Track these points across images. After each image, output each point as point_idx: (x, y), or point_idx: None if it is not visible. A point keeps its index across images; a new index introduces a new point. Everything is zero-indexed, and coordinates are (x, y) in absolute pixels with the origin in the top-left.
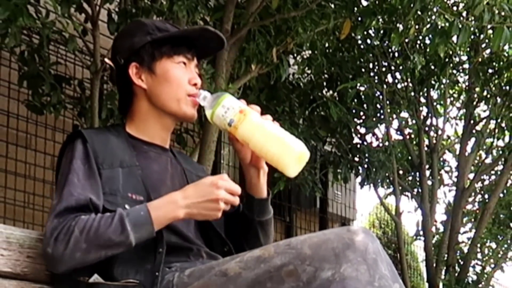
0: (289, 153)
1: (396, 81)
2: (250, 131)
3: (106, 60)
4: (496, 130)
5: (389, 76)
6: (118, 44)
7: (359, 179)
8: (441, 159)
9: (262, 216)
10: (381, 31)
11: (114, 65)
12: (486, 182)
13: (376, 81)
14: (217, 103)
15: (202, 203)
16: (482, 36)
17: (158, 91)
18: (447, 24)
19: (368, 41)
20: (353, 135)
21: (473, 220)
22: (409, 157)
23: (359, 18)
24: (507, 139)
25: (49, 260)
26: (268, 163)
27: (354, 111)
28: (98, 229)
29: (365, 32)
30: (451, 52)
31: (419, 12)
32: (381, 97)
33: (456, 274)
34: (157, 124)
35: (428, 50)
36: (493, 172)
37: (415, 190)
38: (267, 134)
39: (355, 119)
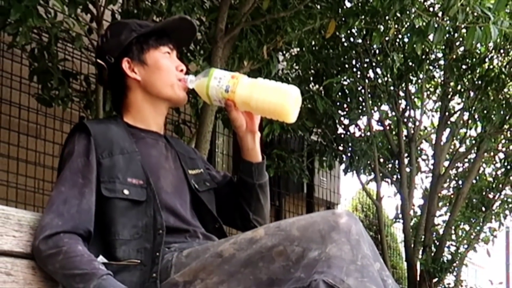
0: (289, 98)
1: (377, 76)
2: (247, 90)
3: (98, 60)
4: (469, 121)
5: (370, 71)
6: (105, 45)
7: (343, 166)
8: (419, 148)
9: (261, 179)
10: (363, 31)
11: (106, 65)
12: (460, 169)
13: (358, 76)
14: (208, 77)
15: None
16: (456, 35)
17: (152, 79)
18: (424, 24)
19: (351, 39)
20: (338, 126)
21: (448, 204)
22: (389, 146)
23: (343, 19)
24: (479, 129)
25: (33, 248)
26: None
27: (338, 104)
28: (72, 274)
29: (349, 32)
30: (427, 50)
31: (398, 13)
32: (363, 91)
33: (432, 254)
34: (152, 112)
35: (406, 48)
36: (466, 160)
37: (395, 176)
38: (264, 88)
39: (339, 111)
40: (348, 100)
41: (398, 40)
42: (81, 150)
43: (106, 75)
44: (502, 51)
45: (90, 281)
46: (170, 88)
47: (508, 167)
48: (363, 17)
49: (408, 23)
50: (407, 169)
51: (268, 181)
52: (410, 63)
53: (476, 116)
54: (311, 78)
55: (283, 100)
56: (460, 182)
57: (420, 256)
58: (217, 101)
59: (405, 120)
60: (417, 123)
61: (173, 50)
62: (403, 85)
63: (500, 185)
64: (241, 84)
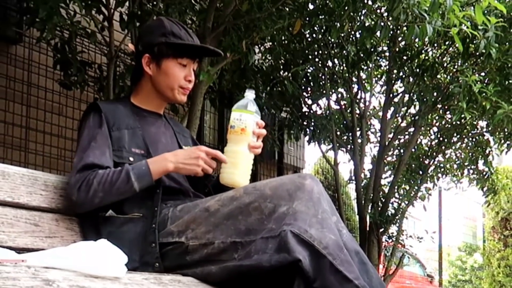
0: (235, 181)
1: (335, 65)
2: (230, 145)
3: (130, 44)
4: (409, 102)
5: (329, 61)
6: (141, 36)
7: (307, 138)
8: (368, 123)
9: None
10: (323, 28)
11: (135, 50)
12: (402, 140)
13: (320, 65)
14: (242, 108)
15: (186, 160)
16: (398, 32)
17: (159, 80)
18: (372, 23)
19: (314, 35)
20: (303, 105)
21: (392, 168)
22: (344, 122)
23: (307, 18)
24: (417, 108)
25: (73, 205)
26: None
27: (303, 87)
28: (111, 181)
29: (312, 29)
30: (375, 44)
31: (351, 14)
32: (323, 77)
33: (379, 209)
34: (155, 100)
35: (358, 42)
36: (406, 133)
37: (349, 146)
38: (234, 159)
39: (304, 93)
40: (311, 84)
41: (351, 35)
42: (96, 123)
43: (134, 57)
44: (435, 45)
45: (129, 177)
46: (170, 92)
47: (441, 138)
48: (323, 16)
49: (359, 22)
50: (359, 140)
51: None
52: (362, 55)
53: (414, 97)
54: (281, 67)
55: (231, 177)
56: (401, 150)
57: (369, 211)
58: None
59: (357, 100)
60: (367, 103)
61: (192, 62)
62: (356, 72)
63: (434, 153)
64: (233, 139)
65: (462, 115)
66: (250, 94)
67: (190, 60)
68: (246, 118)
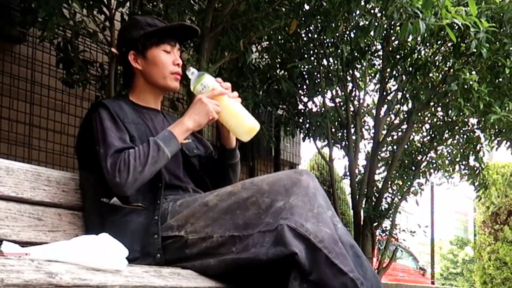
0: (242, 126)
1: (330, 64)
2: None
3: (113, 49)
4: (402, 99)
5: (324, 60)
6: (121, 38)
7: (302, 134)
8: (362, 120)
9: (232, 160)
10: (319, 28)
11: (119, 53)
12: (395, 137)
13: (315, 64)
14: (198, 80)
15: (198, 113)
16: (392, 31)
17: (149, 72)
18: (366, 22)
19: (309, 35)
20: (298, 103)
21: (385, 164)
22: (339, 119)
23: (303, 18)
24: (410, 105)
25: (119, 187)
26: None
27: (299, 85)
28: (144, 154)
29: (307, 28)
30: (369, 43)
31: (346, 14)
32: (318, 75)
33: (373, 204)
34: (150, 95)
35: (352, 41)
36: (400, 129)
37: (343, 143)
38: (228, 111)
39: (300, 91)
40: (307, 82)
41: (346, 35)
42: (108, 117)
43: (119, 61)
44: (428, 44)
45: (158, 145)
46: (163, 79)
47: (433, 135)
48: (318, 17)
49: (354, 22)
50: (353, 137)
51: (239, 161)
52: (356, 54)
53: (407, 95)
54: (278, 65)
55: (236, 126)
56: (395, 147)
57: (363, 205)
58: None
59: (352, 98)
60: (361, 101)
61: (175, 46)
62: (350, 71)
63: (426, 150)
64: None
65: (461, 113)
66: (193, 70)
67: (173, 45)
68: (207, 81)
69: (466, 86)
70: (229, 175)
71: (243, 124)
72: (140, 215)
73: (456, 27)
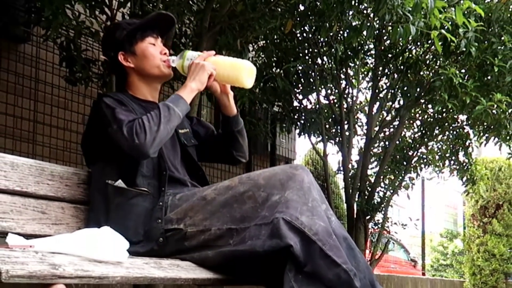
0: (242, 71)
1: (324, 62)
2: (211, 67)
3: (102, 56)
4: (394, 97)
5: (318, 59)
6: (105, 44)
7: (298, 131)
8: (355, 117)
9: (238, 126)
10: (313, 27)
11: (108, 58)
12: (387, 133)
13: (310, 62)
14: (182, 58)
15: (197, 74)
16: (383, 31)
17: (141, 65)
18: (359, 23)
19: (304, 34)
20: (294, 100)
21: (377, 159)
22: (333, 116)
23: (298, 19)
24: (401, 103)
25: (139, 148)
26: (232, 86)
27: (294, 83)
28: (156, 115)
29: (302, 28)
30: (362, 42)
31: (339, 14)
32: (313, 74)
33: (366, 198)
34: (147, 88)
35: (346, 41)
36: (391, 126)
37: (337, 138)
38: (222, 65)
39: (295, 89)
40: (302, 80)
41: (339, 35)
42: (114, 102)
43: (110, 66)
44: (418, 43)
45: (168, 106)
46: (157, 69)
47: (423, 131)
48: (313, 17)
49: (347, 22)
50: (347, 133)
51: (243, 126)
52: (349, 53)
53: (398, 93)
54: (274, 64)
55: (238, 73)
56: (387, 143)
57: (356, 199)
58: None
59: (345, 96)
60: (354, 98)
61: (157, 38)
62: (344, 69)
63: (417, 145)
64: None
65: (444, 108)
66: (173, 58)
67: (155, 37)
68: (190, 54)
69: (451, 82)
70: (239, 141)
71: (242, 69)
72: (145, 200)
73: (446, 27)
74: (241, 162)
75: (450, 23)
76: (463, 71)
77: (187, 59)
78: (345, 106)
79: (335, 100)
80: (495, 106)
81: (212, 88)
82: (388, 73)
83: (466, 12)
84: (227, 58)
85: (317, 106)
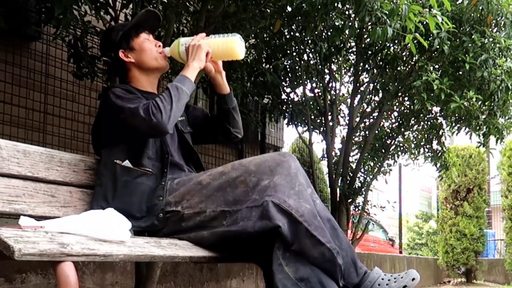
0: (233, 44)
1: (309, 59)
2: (206, 46)
3: (104, 58)
4: (373, 90)
5: (305, 56)
6: (104, 47)
7: (285, 121)
8: (338, 108)
9: (232, 103)
10: (300, 27)
11: (109, 59)
12: (367, 123)
13: (296, 59)
14: (176, 45)
15: (196, 54)
16: (364, 30)
17: (141, 58)
18: (341, 23)
19: (292, 33)
20: (282, 93)
21: (358, 147)
22: (318, 107)
23: (286, 19)
24: (381, 95)
25: (158, 126)
26: (225, 61)
27: (282, 77)
28: (168, 95)
29: (290, 28)
30: (344, 41)
31: (323, 15)
32: (299, 69)
33: (348, 182)
34: (147, 80)
35: (329, 39)
36: (371, 117)
37: (321, 128)
38: (215, 43)
39: (283, 83)
40: (289, 75)
41: (324, 33)
42: (123, 92)
43: (111, 65)
44: (396, 41)
45: (175, 86)
46: (155, 61)
47: (400, 122)
48: (299, 17)
49: (330, 22)
50: (330, 123)
51: (237, 104)
52: (332, 50)
53: (378, 87)
54: (263, 60)
55: (231, 47)
56: (367, 132)
57: (339, 184)
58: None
59: (329, 89)
60: (337, 91)
61: (149, 34)
62: (328, 65)
63: (395, 135)
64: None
65: (422, 106)
66: (166, 49)
67: (148, 33)
68: (184, 40)
69: (428, 83)
70: (235, 118)
71: (233, 43)
72: (149, 179)
73: (420, 30)
74: (238, 138)
75: (425, 23)
76: (437, 66)
77: (181, 45)
78: (328, 98)
79: (320, 93)
80: (468, 102)
81: (207, 68)
82: (368, 68)
83: (438, 9)
84: (217, 36)
85: (303, 98)
